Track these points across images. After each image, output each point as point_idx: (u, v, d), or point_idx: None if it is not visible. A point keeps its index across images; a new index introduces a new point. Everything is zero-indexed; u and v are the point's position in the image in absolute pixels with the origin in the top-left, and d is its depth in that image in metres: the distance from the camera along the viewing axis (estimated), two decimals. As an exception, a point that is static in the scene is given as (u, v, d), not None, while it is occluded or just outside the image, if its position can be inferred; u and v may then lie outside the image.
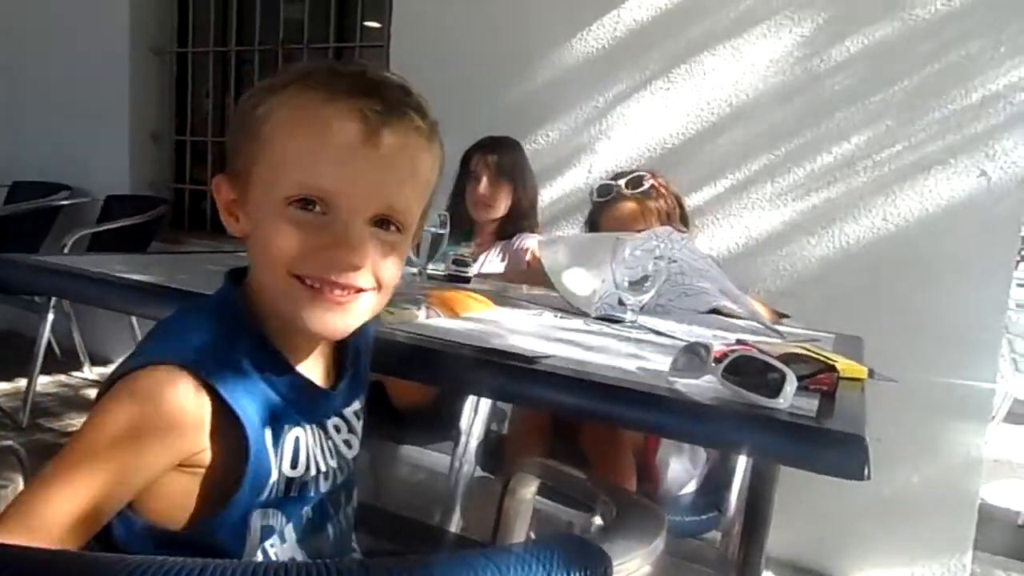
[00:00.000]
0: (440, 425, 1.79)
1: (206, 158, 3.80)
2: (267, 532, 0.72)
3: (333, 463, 0.79)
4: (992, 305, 2.08)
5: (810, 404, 0.84)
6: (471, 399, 1.72)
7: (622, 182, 1.75)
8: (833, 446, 0.73)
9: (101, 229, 3.26)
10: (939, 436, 2.14)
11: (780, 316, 1.61)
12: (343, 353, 0.83)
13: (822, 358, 0.97)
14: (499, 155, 2.12)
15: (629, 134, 2.52)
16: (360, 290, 0.72)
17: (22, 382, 3.26)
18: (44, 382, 3.07)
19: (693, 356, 0.91)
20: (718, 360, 0.87)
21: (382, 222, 0.72)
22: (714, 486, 1.56)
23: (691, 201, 2.13)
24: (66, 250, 3.04)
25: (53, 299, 2.96)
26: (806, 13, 2.24)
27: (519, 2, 2.68)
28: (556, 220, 2.57)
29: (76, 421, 3.00)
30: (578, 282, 1.40)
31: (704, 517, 1.50)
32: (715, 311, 1.56)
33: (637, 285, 1.27)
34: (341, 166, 0.69)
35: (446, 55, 2.73)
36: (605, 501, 0.71)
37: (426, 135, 0.74)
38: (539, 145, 2.63)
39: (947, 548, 2.17)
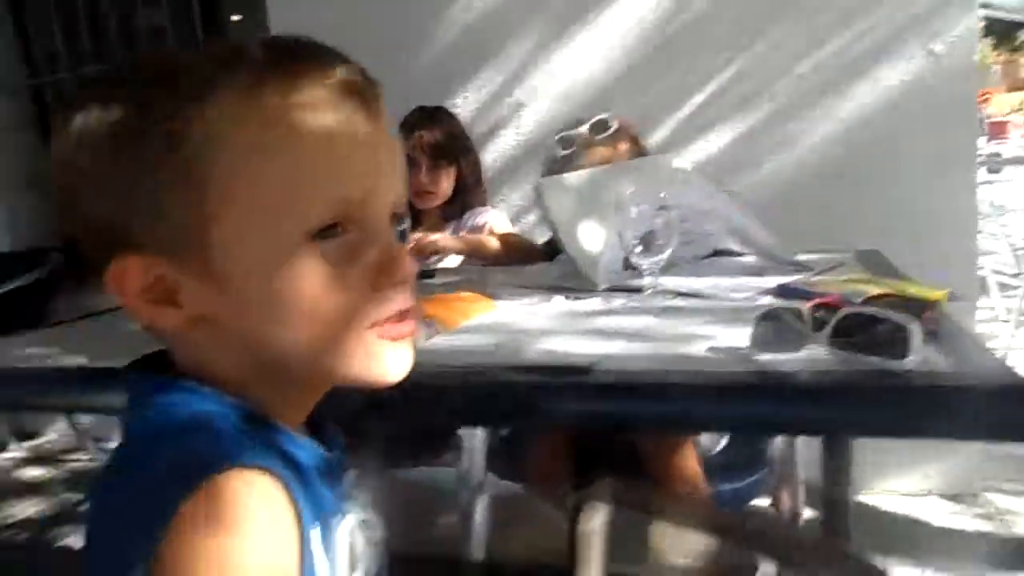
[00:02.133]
0: (435, 434, 1.62)
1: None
2: None
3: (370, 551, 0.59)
4: (963, 186, 2.04)
5: (936, 356, 0.71)
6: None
7: (584, 128, 1.57)
8: (1010, 404, 0.59)
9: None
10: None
11: None
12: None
13: (910, 293, 0.84)
14: (435, 133, 1.91)
15: (554, 83, 2.34)
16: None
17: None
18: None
19: (780, 324, 0.76)
20: (819, 325, 0.72)
21: (394, 217, 0.55)
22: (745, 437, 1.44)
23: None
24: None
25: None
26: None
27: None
28: (496, 189, 2.39)
29: (15, 510, 2.70)
30: (590, 234, 1.23)
31: (748, 481, 1.36)
32: (718, 253, 1.43)
33: (648, 244, 1.12)
34: (363, 159, 0.52)
35: (341, 24, 2.47)
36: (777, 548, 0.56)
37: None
38: (457, 109, 2.42)
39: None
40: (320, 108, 0.50)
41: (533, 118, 2.38)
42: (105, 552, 0.47)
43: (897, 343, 0.68)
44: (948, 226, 2.01)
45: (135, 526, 0.44)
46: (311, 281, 0.50)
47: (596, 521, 0.85)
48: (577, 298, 1.17)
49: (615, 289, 1.19)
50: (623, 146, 1.56)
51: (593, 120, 1.57)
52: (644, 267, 1.13)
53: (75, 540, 2.43)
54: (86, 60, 3.29)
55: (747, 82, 2.15)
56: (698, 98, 2.19)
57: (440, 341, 0.97)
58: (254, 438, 0.49)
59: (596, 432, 1.37)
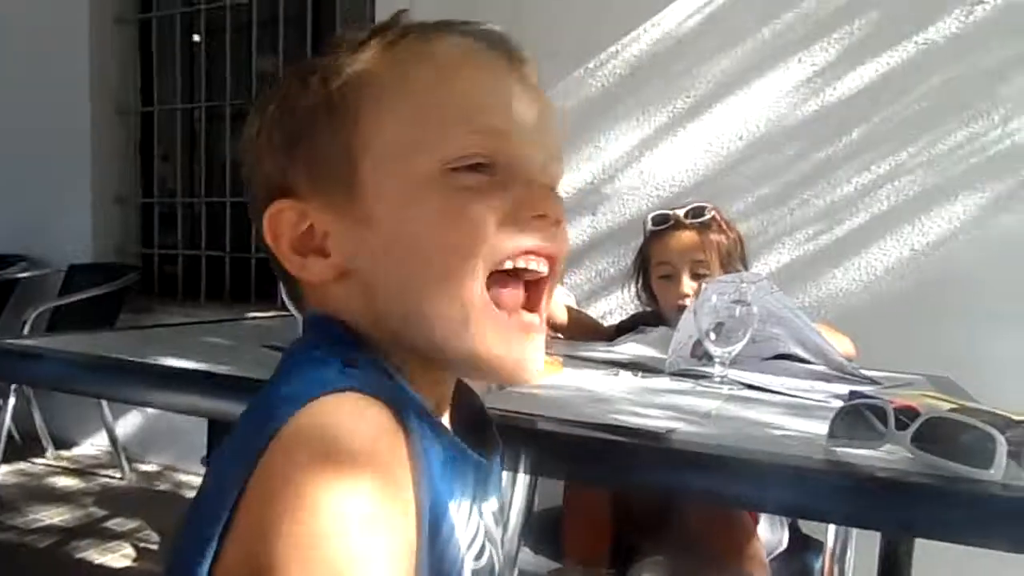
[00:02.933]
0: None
1: (175, 221, 3.59)
2: None
3: (498, 565, 0.55)
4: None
5: (1016, 471, 0.70)
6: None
7: (681, 211, 1.60)
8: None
9: (64, 302, 3.02)
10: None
11: None
12: (462, 411, 0.60)
13: (992, 410, 0.83)
14: None
15: (634, 174, 2.41)
16: (539, 282, 0.54)
17: (-22, 473, 2.99)
18: (3, 472, 2.79)
19: (861, 420, 0.76)
20: (901, 425, 0.73)
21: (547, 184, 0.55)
22: (800, 549, 1.40)
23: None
24: (27, 327, 2.78)
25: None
26: (815, 42, 2.17)
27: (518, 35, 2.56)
28: (567, 269, 2.43)
29: (42, 515, 2.73)
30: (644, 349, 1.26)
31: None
32: (783, 356, 1.43)
33: (721, 333, 1.14)
34: (506, 101, 0.52)
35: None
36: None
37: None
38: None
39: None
40: (463, 51, 0.52)
41: (610, 207, 2.45)
42: (216, 470, 0.47)
43: (982, 452, 0.68)
44: (1014, 373, 1.97)
45: (242, 443, 0.44)
46: (444, 212, 0.49)
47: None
48: (644, 376, 1.18)
49: (683, 373, 1.19)
50: (715, 237, 1.57)
51: (690, 206, 1.61)
52: (716, 355, 1.14)
53: (94, 553, 2.44)
54: (197, 95, 3.49)
55: (822, 199, 2.18)
56: (781, 209, 2.22)
57: (510, 391, 0.99)
58: (383, 383, 0.47)
59: (642, 511, 1.35)
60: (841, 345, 1.37)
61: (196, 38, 3.51)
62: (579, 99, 2.46)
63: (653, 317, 1.63)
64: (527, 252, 0.51)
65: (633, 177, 2.41)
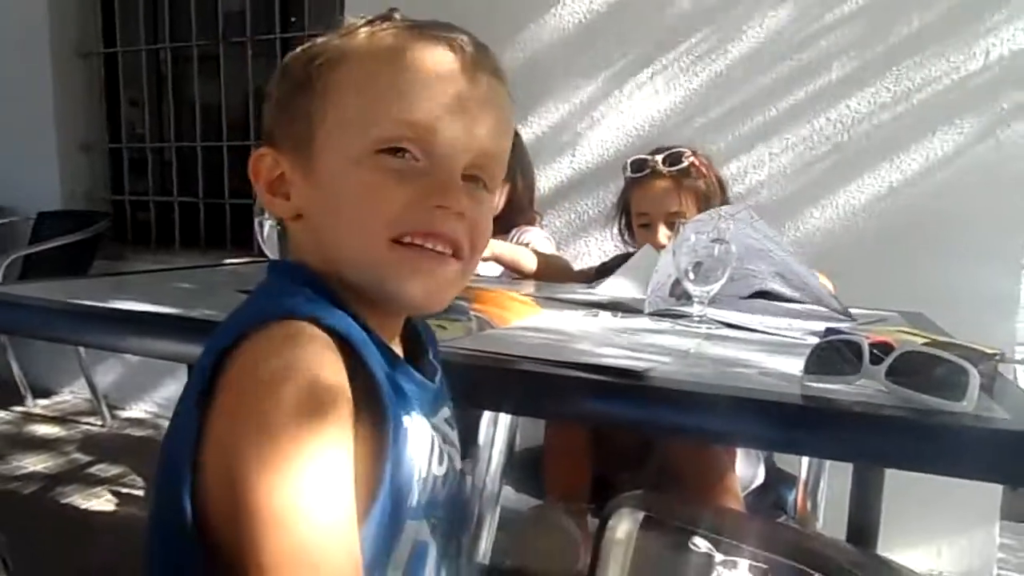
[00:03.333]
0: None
1: (145, 167, 3.51)
2: (419, 552, 0.59)
3: (457, 464, 0.67)
4: (1006, 271, 2.02)
5: (987, 403, 0.71)
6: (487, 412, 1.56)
7: (659, 157, 1.60)
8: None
9: (36, 250, 2.96)
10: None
11: None
12: (410, 343, 0.70)
13: (965, 344, 0.84)
14: None
15: (613, 114, 2.38)
16: (454, 252, 0.61)
17: (-45, 422, 2.97)
18: (-20, 420, 2.79)
19: (836, 355, 0.77)
20: (876, 360, 0.73)
21: (472, 177, 0.63)
22: (774, 482, 1.43)
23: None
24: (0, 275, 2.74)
25: (-11, 331, 2.67)
26: (796, -25, 2.13)
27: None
28: (546, 210, 2.41)
29: (24, 462, 2.73)
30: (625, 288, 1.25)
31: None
32: (761, 294, 1.44)
33: (700, 272, 1.14)
34: (441, 99, 0.59)
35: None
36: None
37: (506, 85, 0.65)
38: (518, 130, 2.46)
39: (974, 520, 2.11)
40: (419, 49, 0.60)
41: (588, 148, 2.42)
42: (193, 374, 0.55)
43: (955, 385, 0.69)
44: (989, 308, 2.00)
45: (211, 348, 0.53)
46: (364, 186, 0.59)
47: (624, 529, 0.85)
48: (624, 316, 1.18)
49: (662, 314, 1.20)
50: (690, 183, 1.58)
51: (668, 151, 1.60)
52: (695, 294, 1.14)
53: (79, 499, 2.45)
54: (161, 38, 3.38)
55: (801, 136, 2.17)
56: (758, 146, 2.21)
57: (494, 334, 0.99)
58: (327, 308, 0.56)
59: (621, 448, 1.37)
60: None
61: (158, -25, 3.38)
62: (556, 36, 2.41)
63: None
64: (425, 234, 0.60)
65: (611, 116, 2.38)
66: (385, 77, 0.59)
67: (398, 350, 0.65)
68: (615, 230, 1.79)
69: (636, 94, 2.34)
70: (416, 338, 0.70)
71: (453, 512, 0.67)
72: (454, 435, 0.69)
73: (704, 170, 1.60)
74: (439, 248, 0.60)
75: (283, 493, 0.46)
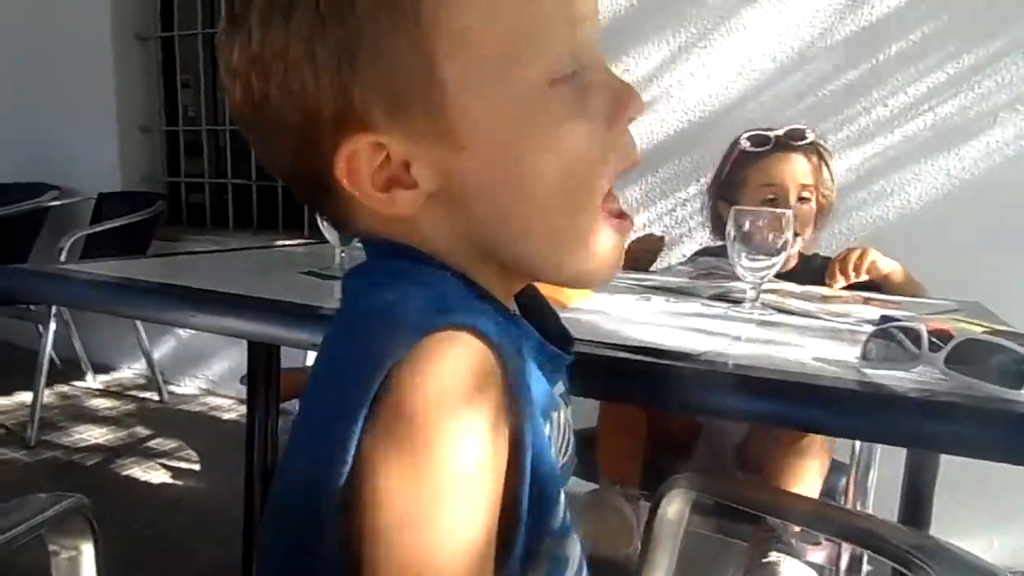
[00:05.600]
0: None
1: (201, 149, 3.60)
2: (558, 568, 0.49)
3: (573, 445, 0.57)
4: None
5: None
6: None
7: (780, 132, 1.49)
8: None
9: (97, 230, 3.06)
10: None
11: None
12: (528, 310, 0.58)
13: (1026, 334, 0.83)
14: None
15: (664, 95, 2.37)
16: None
17: (20, 396, 3.10)
18: (46, 395, 2.90)
19: (894, 342, 0.77)
20: (935, 347, 0.73)
21: None
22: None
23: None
24: (63, 253, 2.84)
25: (54, 307, 2.77)
26: (854, -43, 2.09)
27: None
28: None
29: (87, 435, 2.84)
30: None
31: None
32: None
33: (755, 258, 1.13)
34: (588, 2, 0.46)
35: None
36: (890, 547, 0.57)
37: None
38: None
39: (1028, 514, 2.07)
40: None
41: (639, 130, 2.41)
42: (326, 398, 0.45)
43: (1015, 374, 0.68)
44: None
45: (355, 379, 0.41)
46: (552, 139, 0.45)
47: (676, 507, 0.86)
48: (676, 300, 1.19)
49: (717, 298, 1.20)
50: (814, 158, 1.49)
51: (790, 127, 1.51)
52: (749, 279, 1.14)
53: (138, 471, 2.54)
54: (218, 19, 3.44)
55: (857, 123, 2.13)
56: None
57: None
58: (475, 307, 0.46)
59: (674, 435, 1.38)
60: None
61: (215, -40, 3.45)
62: (608, 17, 2.39)
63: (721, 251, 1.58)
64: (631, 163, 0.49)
65: (663, 98, 2.36)
66: None
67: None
68: (704, 217, 1.68)
69: (688, 78, 2.32)
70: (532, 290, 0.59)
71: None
72: (568, 411, 0.58)
73: (826, 150, 1.53)
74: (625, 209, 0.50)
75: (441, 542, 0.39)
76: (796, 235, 1.37)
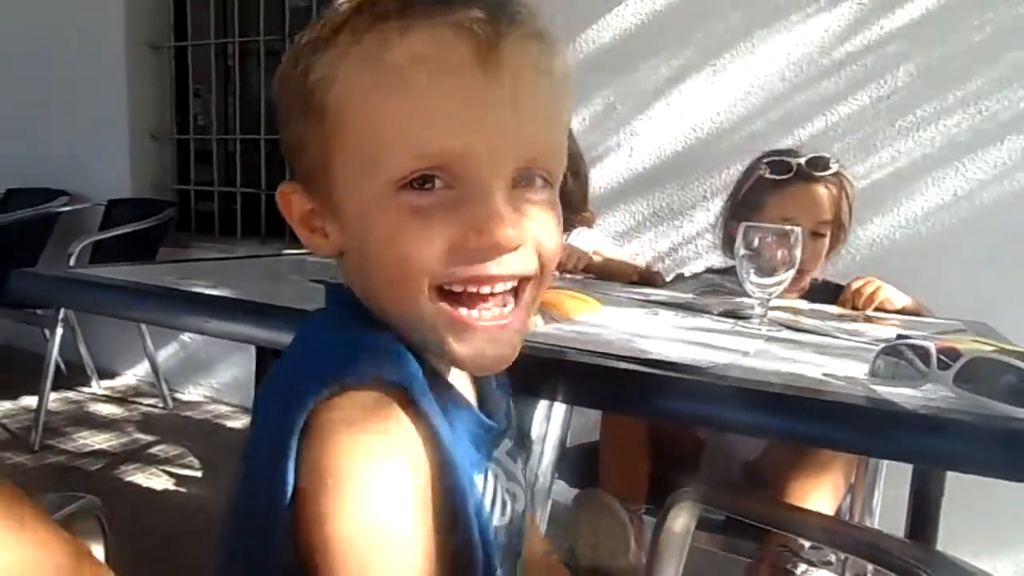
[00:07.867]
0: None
1: (211, 157, 3.62)
2: None
3: (521, 504, 0.62)
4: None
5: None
6: (542, 404, 1.57)
7: (802, 160, 1.42)
8: None
9: (107, 236, 3.08)
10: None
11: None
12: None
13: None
14: None
15: (671, 112, 2.38)
16: (520, 283, 0.53)
17: (25, 400, 3.10)
18: (51, 400, 2.91)
19: (903, 360, 0.77)
20: (943, 365, 0.74)
21: (525, 179, 0.52)
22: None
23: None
24: (73, 258, 2.85)
25: (61, 312, 2.79)
26: (862, -22, 2.11)
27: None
28: (600, 209, 2.42)
29: (91, 440, 2.84)
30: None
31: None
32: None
33: (764, 274, 1.14)
34: (461, 111, 0.48)
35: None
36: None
37: (548, 39, 0.52)
38: (573, 127, 2.48)
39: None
40: (422, 53, 0.47)
41: (646, 146, 2.42)
42: (266, 416, 0.53)
43: (1023, 393, 0.69)
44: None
45: (292, 400, 0.48)
46: (390, 232, 0.50)
47: (682, 520, 0.87)
48: (684, 315, 1.19)
49: (725, 314, 1.21)
50: (836, 191, 1.44)
51: (812, 155, 1.45)
52: (758, 295, 1.15)
53: (141, 477, 2.54)
54: (229, 32, 3.48)
55: (863, 142, 2.14)
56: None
57: (558, 328, 1.01)
58: (406, 362, 0.50)
59: (678, 449, 1.38)
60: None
61: (229, -28, 3.48)
62: (615, 33, 2.42)
63: (727, 271, 1.55)
64: (470, 280, 0.51)
65: (669, 116, 2.38)
66: (384, 99, 0.48)
67: (467, 389, 0.60)
68: (716, 238, 1.65)
69: (696, 94, 2.34)
70: None
71: (514, 553, 0.62)
72: (517, 469, 0.63)
73: (849, 180, 1.48)
74: (495, 289, 0.51)
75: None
76: (802, 271, 1.34)
